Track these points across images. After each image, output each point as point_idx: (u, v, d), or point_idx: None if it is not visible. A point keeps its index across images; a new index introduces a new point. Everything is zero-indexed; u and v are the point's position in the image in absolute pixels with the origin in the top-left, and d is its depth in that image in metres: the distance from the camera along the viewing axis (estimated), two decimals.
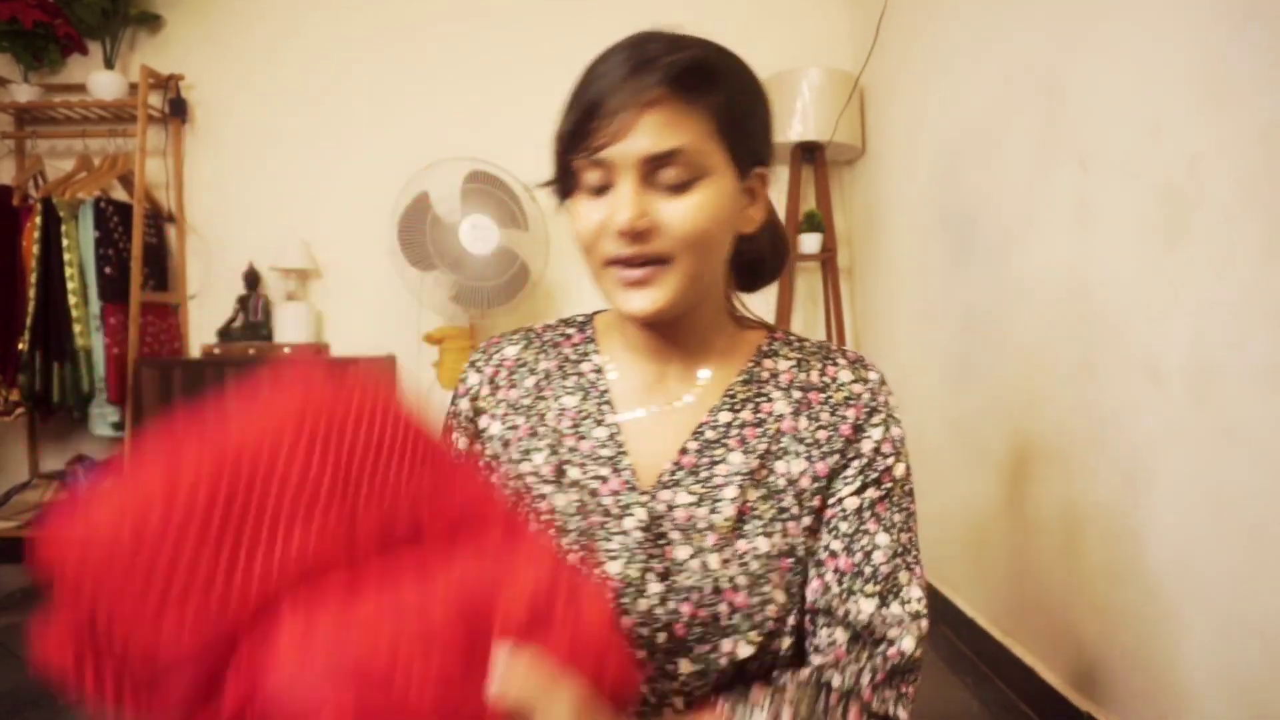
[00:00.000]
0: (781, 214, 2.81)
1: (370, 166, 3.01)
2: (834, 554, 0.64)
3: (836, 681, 0.60)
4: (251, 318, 2.94)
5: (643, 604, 0.61)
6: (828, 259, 2.76)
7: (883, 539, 0.65)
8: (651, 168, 0.61)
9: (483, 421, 0.72)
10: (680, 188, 0.61)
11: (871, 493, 0.66)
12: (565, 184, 0.66)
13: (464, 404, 0.74)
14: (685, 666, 0.61)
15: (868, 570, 0.63)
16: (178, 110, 2.96)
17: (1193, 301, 1.13)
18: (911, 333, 2.34)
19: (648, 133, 0.60)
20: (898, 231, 2.45)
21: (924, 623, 0.63)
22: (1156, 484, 1.22)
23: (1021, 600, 1.67)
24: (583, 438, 0.69)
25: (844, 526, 0.65)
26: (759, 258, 0.75)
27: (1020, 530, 1.66)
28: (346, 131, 3.04)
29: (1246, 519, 1.04)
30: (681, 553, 0.63)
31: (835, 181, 2.96)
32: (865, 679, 0.60)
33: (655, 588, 0.62)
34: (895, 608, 0.63)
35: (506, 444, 0.70)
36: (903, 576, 0.64)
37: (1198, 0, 1.11)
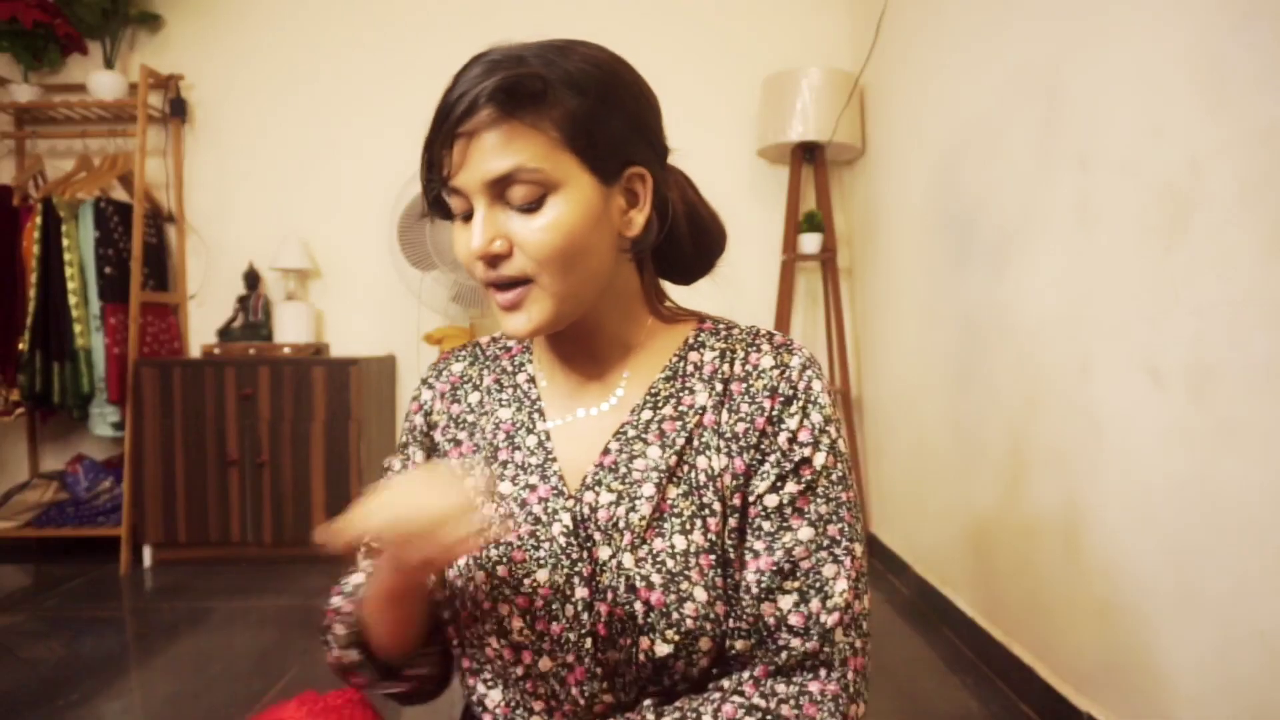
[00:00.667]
0: (781, 214, 2.83)
1: (370, 166, 3.01)
2: (756, 554, 0.62)
3: (726, 684, 0.61)
4: (251, 318, 2.94)
5: (569, 609, 0.62)
6: (828, 259, 2.76)
7: (805, 533, 0.62)
8: (497, 190, 0.60)
9: (436, 436, 0.75)
10: (531, 207, 0.60)
11: (791, 487, 0.63)
12: (441, 211, 0.66)
13: (418, 419, 0.76)
14: (612, 658, 0.61)
15: (787, 567, 0.61)
16: (178, 110, 2.96)
17: (1193, 301, 1.13)
18: (911, 333, 2.34)
19: (484, 157, 0.59)
20: (898, 231, 2.45)
21: (850, 610, 0.61)
22: (1156, 484, 1.22)
23: (1021, 600, 1.67)
24: (516, 448, 0.69)
25: (766, 525, 0.63)
26: (679, 250, 0.72)
27: (1020, 530, 1.66)
28: (346, 131, 3.04)
29: (1246, 519, 1.04)
30: (604, 553, 0.63)
31: (835, 181, 2.96)
32: (752, 674, 0.61)
33: (581, 592, 0.62)
34: (814, 603, 0.60)
35: (450, 460, 0.73)
36: (827, 570, 0.61)
37: (1198, 0, 1.11)
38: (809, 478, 0.63)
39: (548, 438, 0.69)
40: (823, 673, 0.60)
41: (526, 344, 0.75)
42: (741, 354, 0.68)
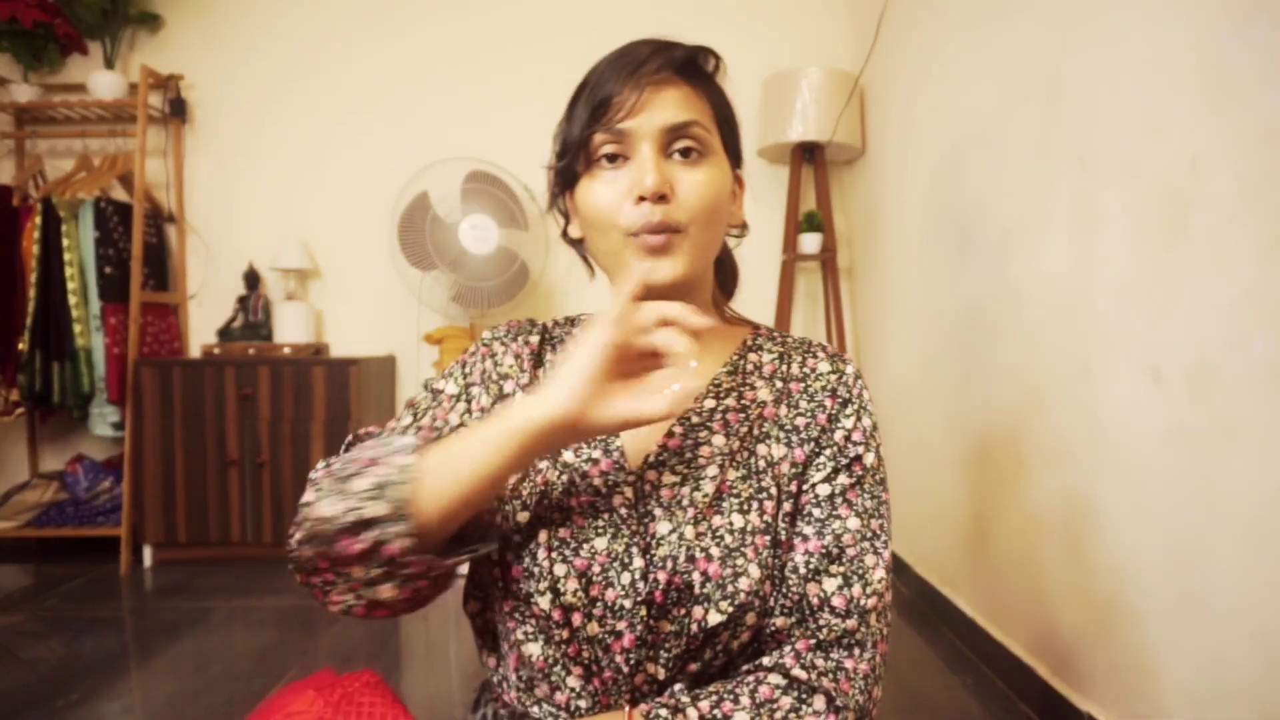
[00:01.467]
0: (781, 214, 2.83)
1: (370, 166, 3.01)
2: (805, 538, 0.67)
3: (766, 661, 0.63)
4: (251, 318, 2.94)
5: (625, 577, 0.64)
6: (828, 259, 2.76)
7: (853, 523, 0.67)
8: (669, 139, 0.67)
9: (508, 386, 0.74)
10: (693, 161, 0.67)
11: (843, 479, 0.68)
12: (573, 170, 0.70)
13: (488, 365, 0.76)
14: (665, 627, 0.63)
15: (835, 552, 0.66)
16: (178, 110, 2.96)
17: (1193, 301, 1.13)
18: (911, 333, 2.34)
19: (666, 106, 0.67)
20: (898, 231, 2.45)
21: (884, 598, 0.66)
22: (1156, 484, 1.22)
23: (1021, 600, 1.67)
24: None
25: (817, 512, 0.67)
26: (723, 268, 0.81)
27: (1020, 530, 1.66)
28: (346, 131, 3.04)
29: (1246, 519, 1.04)
30: (663, 528, 0.65)
31: (835, 181, 2.96)
32: (794, 647, 0.63)
33: (638, 562, 0.64)
34: (856, 588, 0.65)
35: None
36: (869, 559, 0.66)
37: (1198, 0, 1.11)
38: (859, 473, 0.69)
39: None
40: (856, 651, 0.63)
41: None
42: (799, 359, 0.75)
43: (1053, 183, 1.50)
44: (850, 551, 0.66)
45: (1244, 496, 1.05)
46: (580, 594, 0.64)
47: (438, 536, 0.61)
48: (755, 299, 2.87)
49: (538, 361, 0.77)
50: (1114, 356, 1.31)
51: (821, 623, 0.64)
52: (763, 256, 2.89)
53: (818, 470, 0.69)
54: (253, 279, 2.95)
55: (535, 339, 0.78)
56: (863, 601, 0.64)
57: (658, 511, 0.66)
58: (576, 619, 0.64)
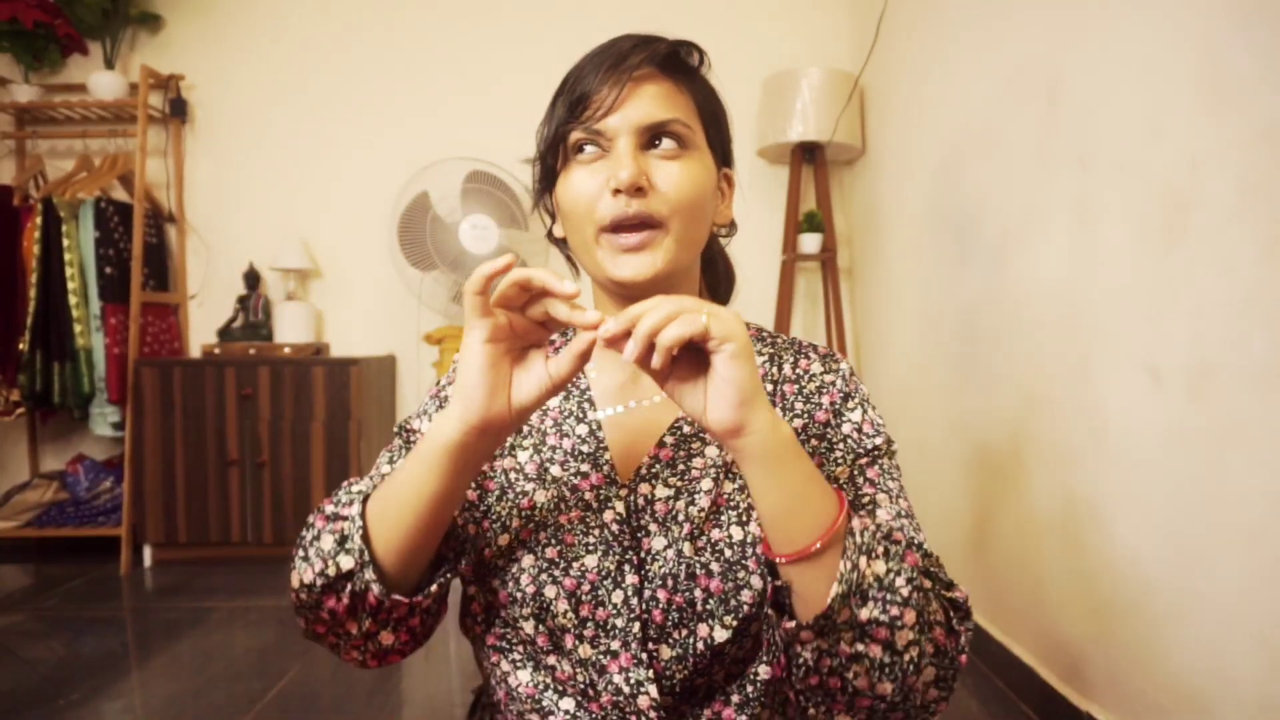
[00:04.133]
0: (781, 214, 2.83)
1: (370, 166, 3.01)
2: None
3: (897, 536, 0.57)
4: (251, 318, 2.94)
5: (618, 595, 0.62)
6: (828, 259, 2.76)
7: (881, 498, 0.64)
8: (648, 136, 0.65)
9: None
10: (672, 154, 0.65)
11: (862, 462, 0.66)
12: (552, 168, 0.68)
13: (451, 390, 0.74)
14: (664, 652, 0.61)
15: (883, 533, 0.58)
16: (178, 110, 2.96)
17: (1192, 301, 1.13)
18: (911, 333, 2.34)
19: (646, 103, 0.64)
20: (898, 231, 2.45)
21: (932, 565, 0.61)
22: (1156, 484, 1.22)
23: (1021, 600, 1.67)
24: (565, 435, 0.70)
25: (848, 496, 0.64)
26: (714, 269, 0.79)
27: (1020, 530, 1.66)
28: (347, 131, 3.04)
29: (1246, 519, 1.04)
30: (658, 543, 0.63)
31: (835, 181, 2.96)
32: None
33: (631, 578, 0.62)
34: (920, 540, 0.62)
35: None
36: (909, 530, 0.62)
37: (1199, 0, 1.11)
38: (876, 456, 0.67)
39: (599, 427, 0.70)
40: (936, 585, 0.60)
41: (570, 334, 0.75)
42: (790, 359, 0.72)
43: (1053, 183, 1.50)
44: (897, 534, 0.58)
45: (1244, 496, 1.05)
46: (570, 615, 0.62)
47: (412, 570, 0.61)
48: (755, 299, 2.87)
49: None
50: (1114, 356, 1.31)
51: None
52: (763, 256, 2.89)
53: (835, 465, 0.66)
54: (253, 279, 2.96)
55: None
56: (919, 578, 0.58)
57: (653, 527, 0.64)
58: (568, 641, 0.62)
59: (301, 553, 0.63)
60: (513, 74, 2.96)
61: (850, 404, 0.69)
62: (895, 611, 0.53)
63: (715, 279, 0.80)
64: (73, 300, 2.71)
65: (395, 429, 0.75)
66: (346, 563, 0.59)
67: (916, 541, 0.62)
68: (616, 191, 0.63)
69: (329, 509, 0.64)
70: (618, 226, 0.64)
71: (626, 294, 0.67)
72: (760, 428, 0.52)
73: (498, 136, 2.88)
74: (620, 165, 0.63)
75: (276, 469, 2.67)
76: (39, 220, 2.68)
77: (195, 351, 3.05)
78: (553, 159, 0.68)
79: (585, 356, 0.55)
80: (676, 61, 0.68)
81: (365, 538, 0.59)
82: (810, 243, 2.75)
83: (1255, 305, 1.01)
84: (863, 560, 0.53)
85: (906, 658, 0.53)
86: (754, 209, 2.97)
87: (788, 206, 2.77)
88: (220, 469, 2.67)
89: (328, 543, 0.61)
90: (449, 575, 0.65)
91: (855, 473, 0.65)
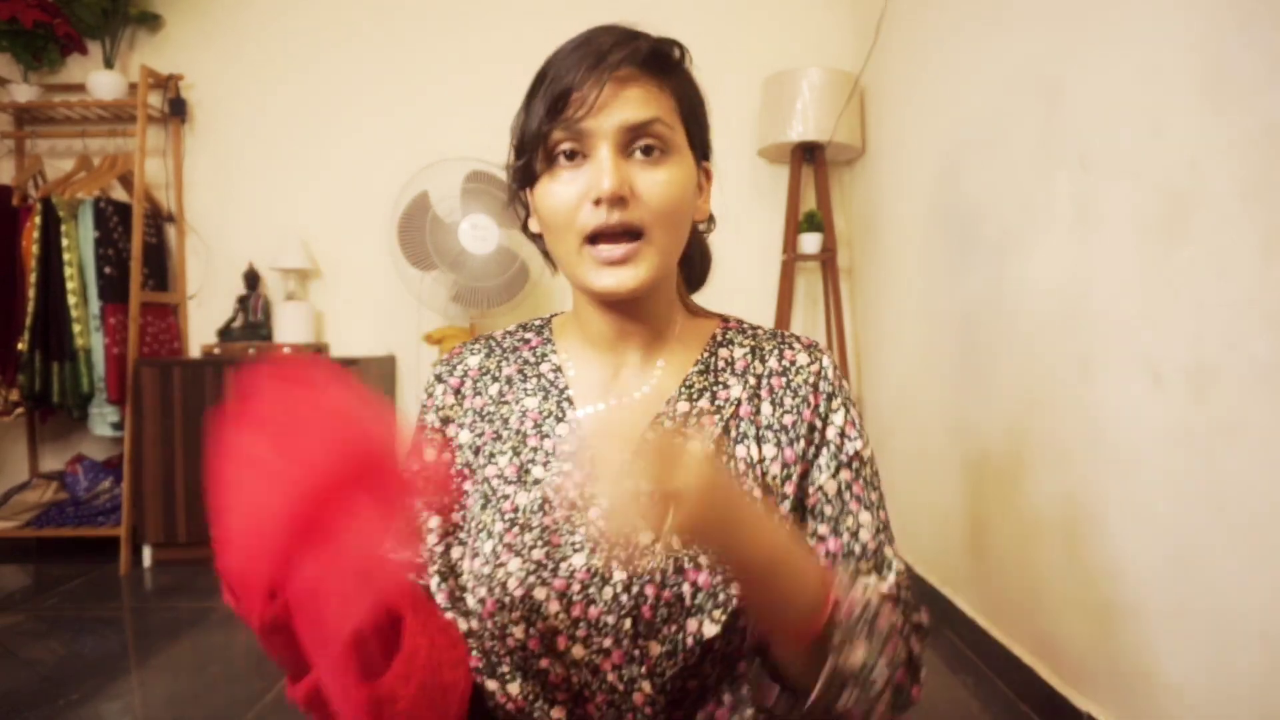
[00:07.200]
0: (781, 214, 2.83)
1: (370, 166, 3.01)
2: (822, 538, 0.66)
3: (882, 621, 0.59)
4: (251, 318, 2.94)
5: (608, 592, 0.62)
6: (828, 259, 2.76)
7: (865, 517, 0.67)
8: (629, 139, 0.63)
9: (451, 430, 0.73)
10: (654, 160, 0.64)
11: (845, 475, 0.67)
12: (531, 169, 0.66)
13: (431, 416, 0.74)
14: (654, 649, 0.61)
15: (857, 549, 0.65)
16: (177, 110, 2.96)
17: (1193, 301, 1.13)
18: (911, 333, 2.34)
19: (626, 104, 0.63)
20: (898, 231, 2.45)
21: (903, 585, 0.66)
22: (1156, 484, 1.22)
23: (1021, 600, 1.67)
24: (545, 436, 0.70)
25: (828, 510, 0.67)
26: (690, 260, 0.78)
27: (1020, 530, 1.66)
28: (346, 131, 3.04)
29: (1246, 519, 1.04)
30: (644, 539, 0.63)
31: (835, 181, 2.96)
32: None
33: (619, 575, 0.62)
34: (890, 579, 0.65)
35: (476, 450, 0.71)
36: (887, 552, 0.66)
37: (1200, 1, 1.11)
38: (858, 466, 0.68)
39: (580, 425, 0.70)
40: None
41: (548, 335, 0.76)
42: (775, 351, 0.72)
43: (1053, 183, 1.50)
44: (870, 545, 0.66)
45: (1244, 496, 1.05)
46: (563, 615, 0.62)
47: None
48: (755, 299, 2.87)
49: (475, 390, 0.74)
50: (1114, 357, 1.31)
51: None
52: (763, 256, 2.89)
53: (820, 471, 0.67)
54: (253, 279, 2.95)
55: (475, 359, 0.75)
56: (886, 589, 0.64)
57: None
58: (561, 643, 0.62)
59: None
60: (513, 74, 2.95)
61: (834, 404, 0.69)
62: (871, 695, 0.56)
63: (690, 270, 0.79)
64: (72, 300, 2.70)
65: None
66: None
67: (890, 562, 0.66)
68: (598, 201, 0.62)
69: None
70: (598, 236, 0.63)
71: (609, 303, 0.68)
72: (741, 561, 0.54)
73: (498, 136, 2.84)
74: (602, 174, 0.61)
75: None
76: (38, 220, 2.68)
77: (195, 351, 3.04)
78: (532, 158, 0.66)
79: None
80: (658, 58, 0.66)
81: None
82: (810, 243, 2.75)
83: (1255, 305, 1.01)
84: (845, 651, 0.55)
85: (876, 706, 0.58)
86: (754, 209, 2.96)
87: (788, 206, 2.77)
88: None
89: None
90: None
91: (842, 488, 0.67)
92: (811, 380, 0.69)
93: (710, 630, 0.61)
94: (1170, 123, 1.17)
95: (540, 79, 0.66)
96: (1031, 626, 1.63)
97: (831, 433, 0.68)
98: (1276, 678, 1.00)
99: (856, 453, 0.68)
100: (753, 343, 0.73)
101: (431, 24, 3.03)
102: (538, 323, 0.79)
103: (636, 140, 0.63)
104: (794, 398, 0.69)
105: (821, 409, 0.69)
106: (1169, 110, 1.17)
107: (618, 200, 0.62)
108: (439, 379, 0.75)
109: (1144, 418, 1.24)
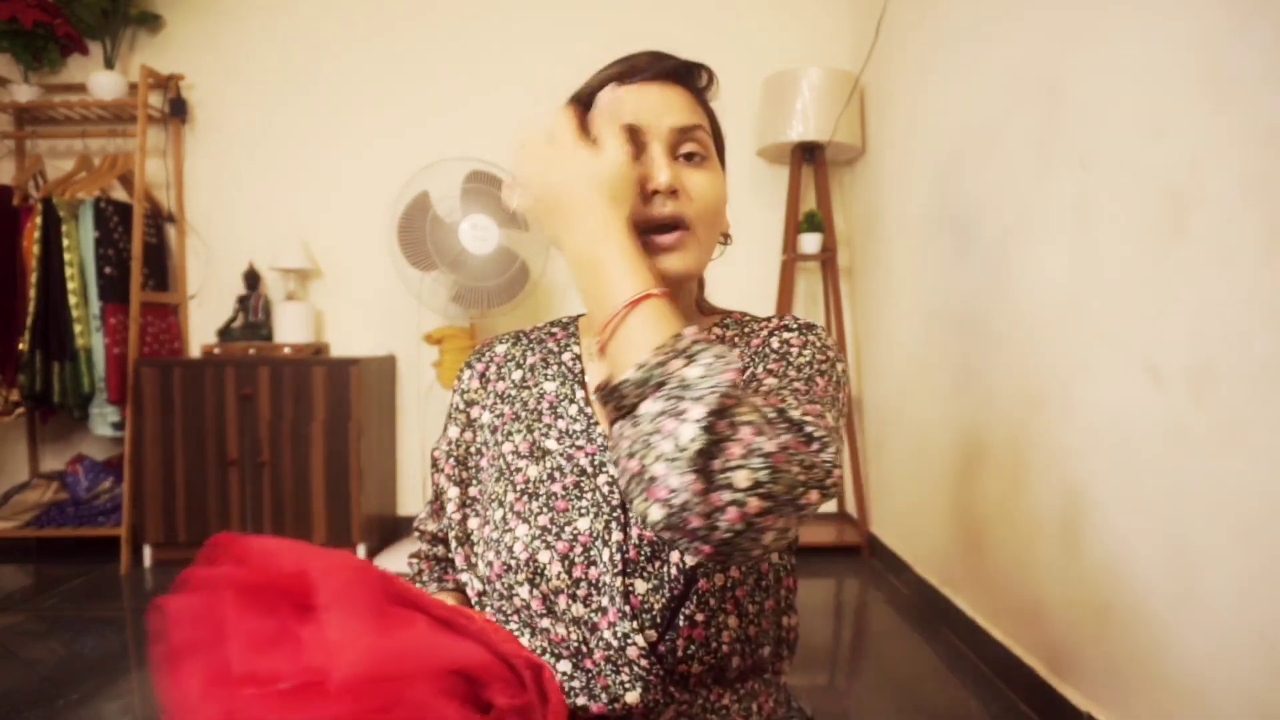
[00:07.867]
0: (781, 214, 2.83)
1: (370, 166, 3.01)
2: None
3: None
4: (251, 318, 2.94)
5: (606, 553, 0.65)
6: (828, 259, 2.76)
7: (770, 382, 0.64)
8: (677, 140, 0.69)
9: (474, 412, 0.79)
10: (697, 164, 0.70)
11: (773, 364, 0.67)
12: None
13: (457, 398, 0.81)
14: (639, 586, 0.64)
15: (705, 342, 0.55)
16: (178, 110, 2.96)
17: (1193, 301, 1.13)
18: (911, 332, 2.34)
19: (677, 107, 0.70)
20: (898, 231, 2.45)
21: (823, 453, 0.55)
22: (1156, 484, 1.22)
23: (1021, 600, 1.67)
24: (559, 416, 0.74)
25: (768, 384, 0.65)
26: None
27: (1020, 530, 1.66)
28: (346, 131, 3.04)
29: (1246, 519, 1.04)
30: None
31: (835, 181, 2.96)
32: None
33: (617, 535, 0.65)
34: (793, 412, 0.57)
35: (494, 430, 0.76)
36: (790, 401, 0.58)
37: (1200, 0, 1.11)
38: (792, 359, 0.67)
39: (587, 403, 0.74)
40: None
41: (573, 330, 0.82)
42: (764, 333, 0.74)
43: (1053, 183, 1.50)
44: (772, 399, 0.58)
45: (1244, 496, 1.04)
46: (564, 576, 0.65)
47: None
48: (755, 299, 2.87)
49: (499, 375, 0.79)
50: (1114, 356, 1.31)
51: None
52: (763, 256, 2.89)
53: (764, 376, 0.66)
54: (253, 279, 2.95)
55: (503, 347, 0.81)
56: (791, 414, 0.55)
57: None
58: (562, 602, 0.65)
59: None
60: (514, 74, 2.96)
61: (799, 339, 0.70)
62: (686, 408, 0.49)
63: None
64: (72, 300, 2.71)
65: (431, 461, 0.81)
66: None
67: (786, 412, 0.55)
68: (655, 192, 0.67)
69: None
70: (650, 226, 0.67)
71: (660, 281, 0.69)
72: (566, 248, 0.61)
73: (498, 136, 2.88)
74: (658, 168, 0.67)
75: (276, 469, 2.67)
76: (39, 220, 2.68)
77: (195, 351, 3.05)
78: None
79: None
80: (692, 77, 0.73)
81: None
82: (810, 243, 2.75)
83: (1256, 304, 1.01)
84: (676, 362, 0.51)
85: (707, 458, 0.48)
86: (754, 209, 2.97)
87: (788, 206, 2.77)
88: (220, 469, 2.67)
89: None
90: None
91: (763, 370, 0.67)
92: (808, 344, 0.69)
93: (692, 558, 0.63)
94: (1170, 122, 1.17)
95: (600, 73, 0.71)
96: (1031, 626, 1.63)
97: (791, 354, 0.68)
98: (1276, 677, 1.00)
99: (797, 354, 0.67)
100: (738, 330, 0.76)
101: (431, 24, 3.03)
102: (566, 319, 0.84)
103: (683, 144, 0.69)
104: (779, 361, 0.68)
105: (798, 349, 0.69)
106: (1169, 110, 1.17)
107: (671, 192, 0.67)
108: (468, 365, 0.82)
109: (1143, 417, 1.24)
